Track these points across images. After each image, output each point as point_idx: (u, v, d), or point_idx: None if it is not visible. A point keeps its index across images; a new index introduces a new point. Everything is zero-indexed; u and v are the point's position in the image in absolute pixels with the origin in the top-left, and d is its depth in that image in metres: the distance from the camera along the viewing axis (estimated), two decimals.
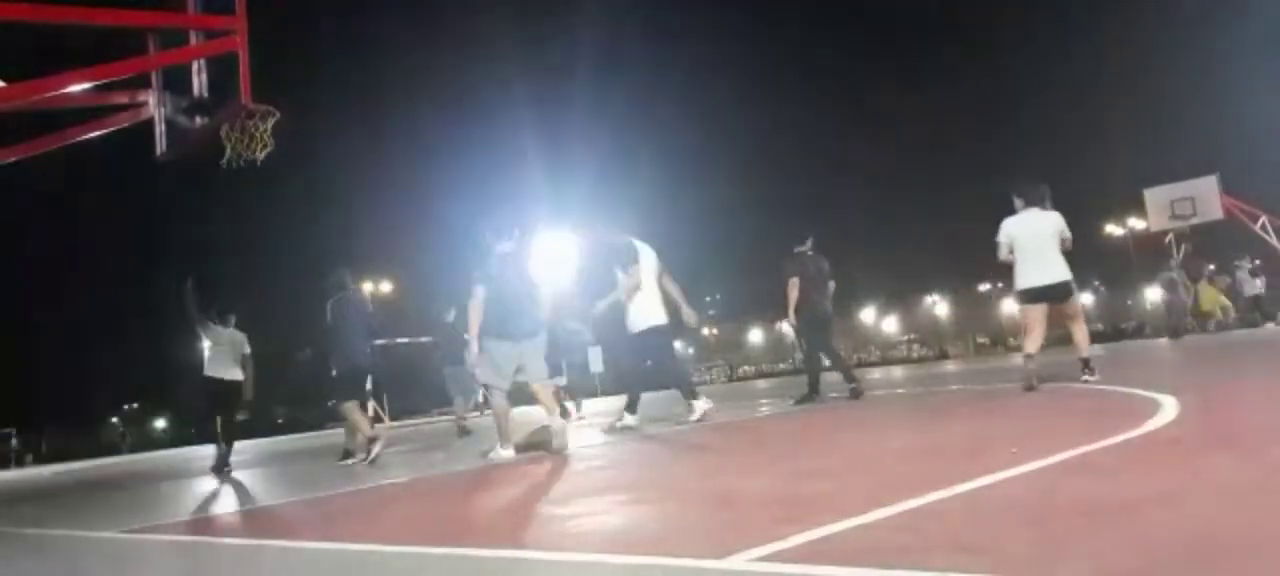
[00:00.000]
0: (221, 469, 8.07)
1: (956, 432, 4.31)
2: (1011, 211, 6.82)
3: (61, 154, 6.61)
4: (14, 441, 39.51)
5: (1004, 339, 58.51)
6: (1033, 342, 6.70)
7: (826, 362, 8.86)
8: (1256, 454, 2.68)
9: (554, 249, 21.49)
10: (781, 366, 66.56)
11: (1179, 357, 9.99)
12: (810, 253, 8.48)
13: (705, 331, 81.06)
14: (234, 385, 8.46)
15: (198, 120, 6.49)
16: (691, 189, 77.45)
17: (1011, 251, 6.70)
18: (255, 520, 4.23)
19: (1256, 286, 19.99)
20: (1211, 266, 19.29)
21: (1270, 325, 18.66)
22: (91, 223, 62.87)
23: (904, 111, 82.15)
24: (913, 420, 5.65)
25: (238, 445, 9.61)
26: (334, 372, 7.17)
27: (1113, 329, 42.43)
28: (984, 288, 65.11)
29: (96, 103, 6.45)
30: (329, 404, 7.18)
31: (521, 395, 6.05)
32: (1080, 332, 6.88)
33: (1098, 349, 7.03)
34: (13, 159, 6.39)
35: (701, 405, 6.84)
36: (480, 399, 10.44)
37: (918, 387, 9.54)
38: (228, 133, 6.21)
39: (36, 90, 5.87)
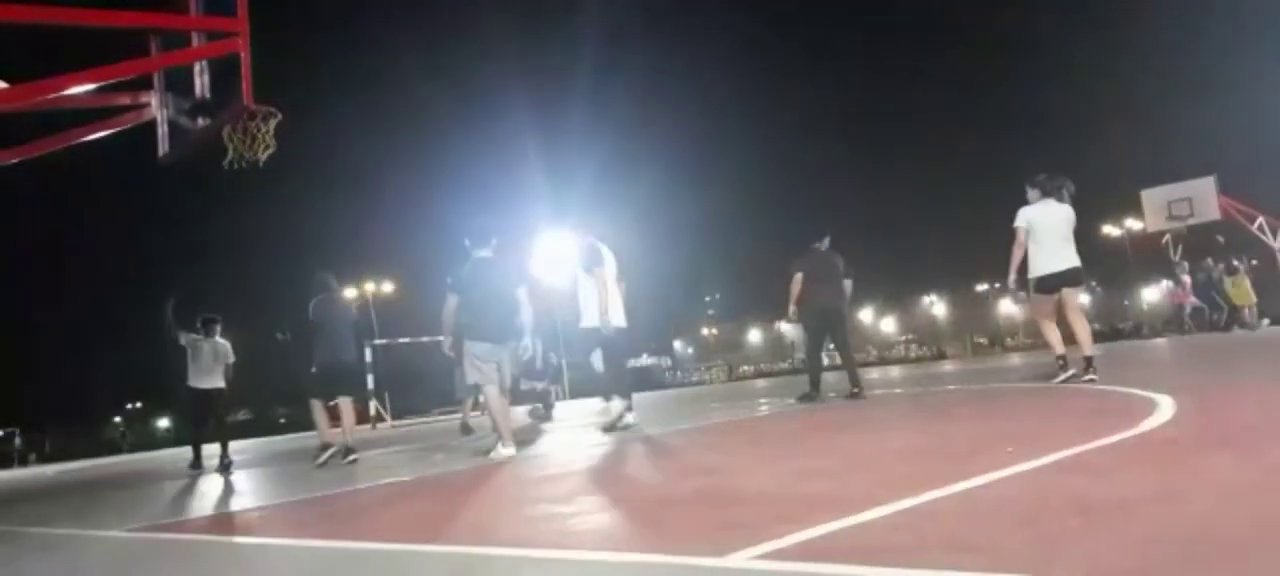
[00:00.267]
0: (221, 469, 8.31)
1: (954, 432, 4.33)
2: (1023, 201, 6.94)
3: (63, 154, 6.63)
4: (17, 441, 39.49)
5: (1001, 339, 58.52)
6: (1055, 339, 6.95)
7: (829, 361, 8.84)
8: (1253, 454, 2.69)
9: (555, 249, 21.48)
10: (781, 366, 66.55)
11: (1177, 357, 10.01)
12: (823, 249, 8.40)
13: (705, 331, 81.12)
14: (215, 392, 8.97)
15: (200, 121, 6.51)
16: (691, 189, 77.57)
17: (1027, 237, 6.80)
18: (258, 519, 4.25)
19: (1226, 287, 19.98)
20: (1236, 262, 19.09)
21: (1238, 328, 18.55)
22: (92, 223, 62.89)
23: (903, 112, 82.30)
24: (910, 420, 5.67)
25: (239, 444, 9.73)
26: (313, 370, 7.29)
27: (1110, 329, 42.43)
28: (982, 288, 65.18)
29: (99, 104, 6.47)
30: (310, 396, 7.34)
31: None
32: (1083, 330, 6.91)
33: (1096, 349, 7.04)
34: (15, 159, 6.41)
35: (622, 410, 6.95)
36: (481, 398, 10.47)
37: (915, 387, 9.56)
38: (230, 134, 6.23)
39: (39, 92, 5.87)
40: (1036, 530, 1.90)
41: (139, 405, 65.84)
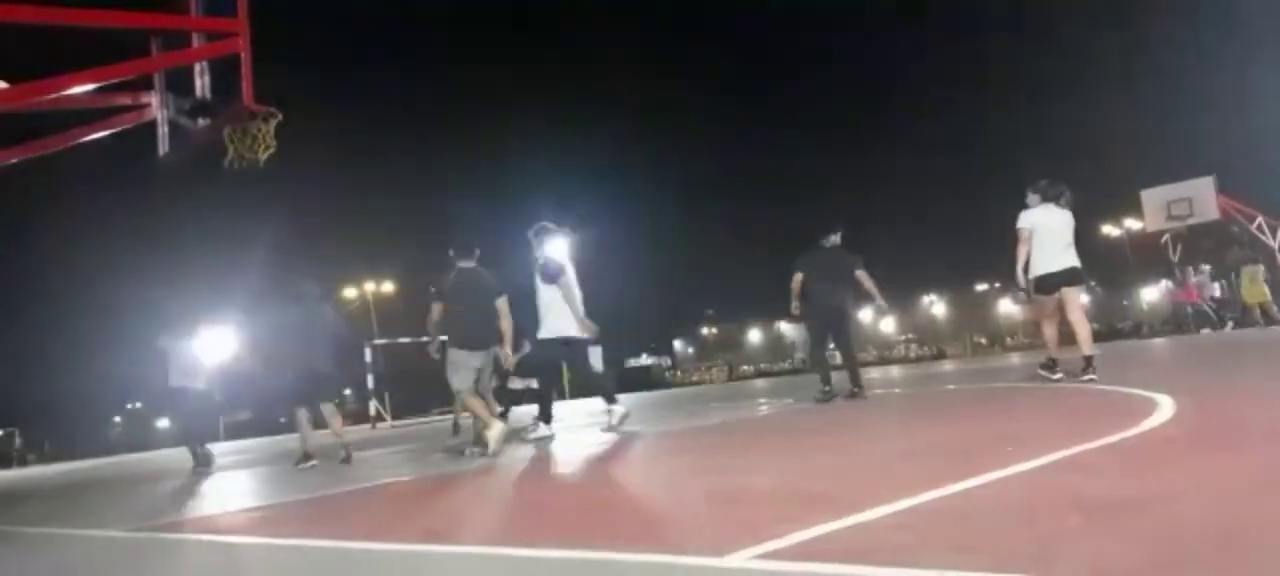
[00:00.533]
0: (203, 465, 8.96)
1: (954, 432, 4.33)
2: (1023, 206, 7.04)
3: (64, 154, 6.63)
4: (17, 440, 39.50)
5: (1001, 339, 58.54)
6: (1052, 339, 7.10)
7: (834, 359, 8.79)
8: (1253, 454, 2.70)
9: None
10: (781, 366, 66.56)
11: (1177, 357, 10.01)
12: (831, 246, 8.21)
13: (705, 331, 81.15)
14: (205, 391, 9.35)
15: (200, 121, 6.51)
16: (691, 189, 77.57)
17: (1029, 239, 6.91)
18: (259, 518, 4.25)
19: (1215, 290, 19.96)
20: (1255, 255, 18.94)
21: (1217, 328, 18.48)
22: (93, 223, 62.84)
23: (902, 112, 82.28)
24: (910, 419, 5.68)
25: (240, 444, 9.87)
26: (291, 376, 7.31)
27: (1109, 329, 42.47)
28: (981, 288, 65.21)
29: (99, 104, 6.47)
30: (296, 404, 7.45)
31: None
32: (1083, 329, 6.93)
33: (1095, 348, 7.06)
34: (15, 159, 6.41)
35: (543, 427, 7.01)
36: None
37: (915, 387, 9.56)
38: (230, 134, 6.23)
39: (39, 92, 5.87)
40: (1036, 530, 1.91)
41: (139, 405, 65.85)
